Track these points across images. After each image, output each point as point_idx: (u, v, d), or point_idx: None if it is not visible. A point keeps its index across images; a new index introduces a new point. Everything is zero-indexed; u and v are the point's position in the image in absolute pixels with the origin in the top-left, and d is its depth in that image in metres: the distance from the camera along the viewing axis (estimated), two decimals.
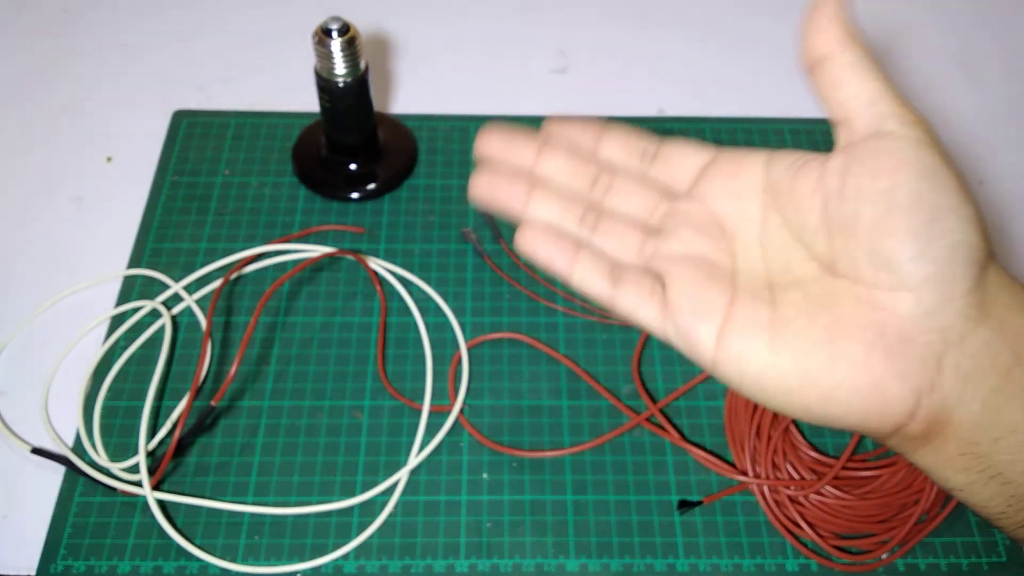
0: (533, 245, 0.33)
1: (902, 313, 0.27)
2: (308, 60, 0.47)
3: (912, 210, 0.27)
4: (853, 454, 0.42)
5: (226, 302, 0.48)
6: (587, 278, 0.32)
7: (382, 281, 0.49)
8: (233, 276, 0.49)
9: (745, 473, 0.42)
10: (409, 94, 0.59)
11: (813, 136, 0.56)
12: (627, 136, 0.35)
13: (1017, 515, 0.28)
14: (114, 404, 0.44)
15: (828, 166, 0.29)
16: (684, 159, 0.34)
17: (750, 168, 0.32)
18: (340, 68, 0.46)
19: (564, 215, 0.33)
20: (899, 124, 0.28)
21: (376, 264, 0.49)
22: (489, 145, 0.35)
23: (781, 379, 0.29)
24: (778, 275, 0.30)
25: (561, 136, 0.35)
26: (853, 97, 0.29)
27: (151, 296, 0.48)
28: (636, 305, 0.32)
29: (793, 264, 0.30)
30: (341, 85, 0.47)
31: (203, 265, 0.49)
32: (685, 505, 0.41)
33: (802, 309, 0.29)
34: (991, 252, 0.28)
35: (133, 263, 0.49)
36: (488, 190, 0.34)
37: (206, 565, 0.39)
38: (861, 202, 0.28)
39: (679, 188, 0.34)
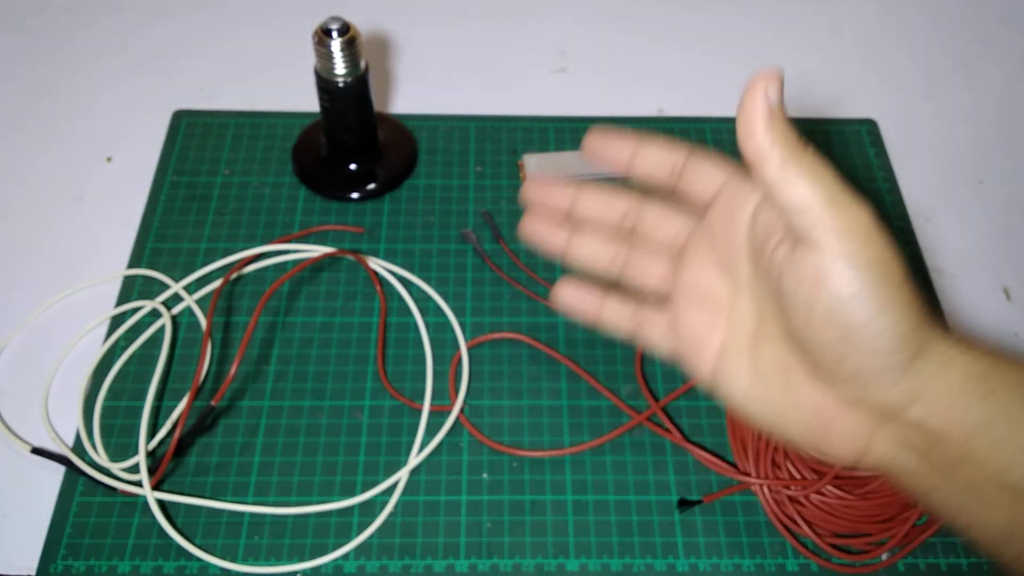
0: (567, 301, 0.39)
1: (834, 396, 0.31)
2: (308, 60, 0.47)
3: (826, 327, 0.29)
4: None
5: (226, 302, 0.48)
6: (612, 323, 0.39)
7: (382, 281, 0.49)
8: (233, 276, 0.49)
9: (746, 473, 0.42)
10: (409, 94, 0.59)
11: (813, 136, 0.56)
12: (660, 151, 0.37)
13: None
14: (114, 404, 0.44)
15: (776, 252, 0.31)
16: (704, 177, 0.36)
17: (749, 204, 0.33)
18: (340, 68, 0.46)
19: (597, 257, 0.39)
20: (824, 233, 0.28)
21: (376, 264, 0.49)
22: (533, 192, 0.40)
23: (755, 408, 0.34)
24: (760, 323, 0.33)
25: (600, 147, 0.38)
26: (786, 202, 0.29)
27: (151, 296, 0.48)
28: (652, 341, 0.38)
29: (767, 315, 0.33)
30: (341, 85, 0.47)
31: (203, 265, 0.49)
32: (685, 504, 0.41)
33: (770, 370, 0.33)
34: (920, 344, 0.29)
35: (133, 263, 0.49)
36: (535, 233, 0.40)
37: (206, 565, 0.39)
38: (790, 303, 0.30)
39: (701, 204, 0.36)
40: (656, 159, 0.37)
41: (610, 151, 0.38)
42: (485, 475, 0.42)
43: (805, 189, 0.28)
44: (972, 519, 0.30)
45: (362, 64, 0.47)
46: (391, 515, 0.41)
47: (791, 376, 0.32)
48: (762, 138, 0.29)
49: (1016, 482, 0.29)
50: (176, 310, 0.47)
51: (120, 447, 0.43)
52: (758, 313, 0.33)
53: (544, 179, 0.40)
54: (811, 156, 0.29)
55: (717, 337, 0.35)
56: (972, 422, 0.29)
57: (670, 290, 0.37)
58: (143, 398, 0.43)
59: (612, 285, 0.39)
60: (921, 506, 0.34)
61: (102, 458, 0.42)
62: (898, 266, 0.29)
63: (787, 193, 0.29)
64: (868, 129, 0.57)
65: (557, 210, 0.40)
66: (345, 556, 0.40)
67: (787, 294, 0.30)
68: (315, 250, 0.50)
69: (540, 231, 0.40)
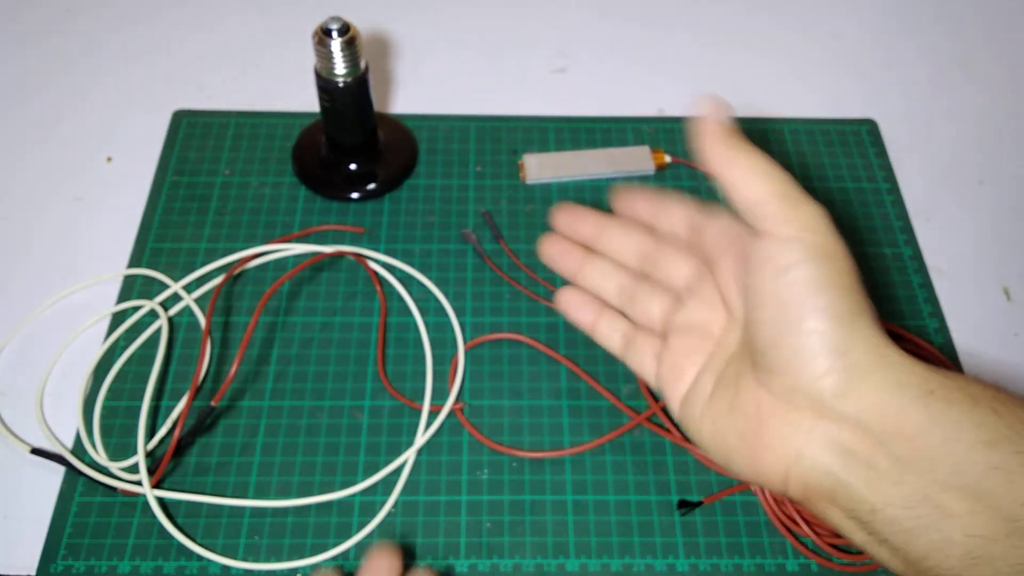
0: (566, 305, 0.41)
1: (770, 391, 0.31)
2: (308, 60, 0.47)
3: (765, 304, 0.31)
4: None
5: (226, 302, 0.48)
6: (605, 337, 0.40)
7: (382, 281, 0.49)
8: (233, 276, 0.49)
9: None
10: (409, 94, 0.59)
11: (813, 136, 0.56)
12: (682, 211, 0.39)
13: None
14: (114, 404, 0.44)
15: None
16: (719, 232, 0.36)
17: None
18: (340, 68, 0.46)
19: (606, 285, 0.40)
20: (774, 223, 0.31)
21: (376, 264, 0.49)
22: (562, 217, 0.42)
23: (703, 442, 0.35)
24: (740, 349, 0.34)
25: (625, 205, 0.41)
26: (743, 200, 0.31)
27: (151, 296, 0.48)
28: (639, 364, 0.39)
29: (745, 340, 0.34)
30: (341, 85, 0.47)
31: (203, 265, 0.49)
32: (685, 505, 0.41)
33: (726, 381, 0.34)
34: (856, 333, 0.30)
35: (133, 263, 0.49)
36: (552, 255, 0.42)
37: (206, 564, 0.39)
38: (745, 296, 0.32)
39: (713, 255, 0.37)
40: (679, 216, 0.39)
41: (635, 210, 0.40)
42: (485, 475, 0.42)
43: (758, 186, 0.31)
44: (926, 544, 0.28)
45: (362, 64, 0.47)
46: (391, 515, 0.41)
47: (740, 382, 0.33)
48: (719, 145, 0.32)
49: (972, 484, 0.27)
50: (175, 310, 0.47)
51: (120, 447, 0.43)
52: (741, 341, 0.34)
53: (573, 208, 0.42)
54: (764, 158, 0.31)
55: (696, 367, 0.36)
56: (914, 421, 0.28)
57: (667, 324, 0.38)
58: (143, 398, 0.43)
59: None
60: (867, 550, 0.30)
61: (102, 458, 0.42)
62: (844, 256, 0.30)
63: (743, 191, 0.31)
64: (868, 129, 0.57)
65: (578, 237, 0.42)
66: (345, 555, 0.40)
67: (746, 288, 0.32)
68: (315, 250, 0.50)
69: (558, 253, 0.42)
